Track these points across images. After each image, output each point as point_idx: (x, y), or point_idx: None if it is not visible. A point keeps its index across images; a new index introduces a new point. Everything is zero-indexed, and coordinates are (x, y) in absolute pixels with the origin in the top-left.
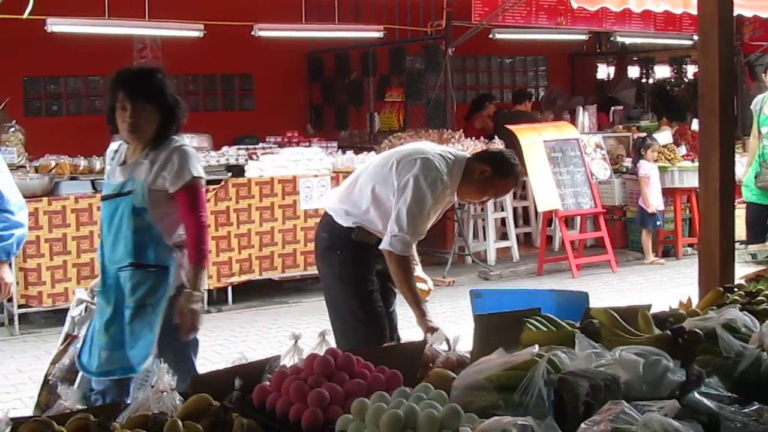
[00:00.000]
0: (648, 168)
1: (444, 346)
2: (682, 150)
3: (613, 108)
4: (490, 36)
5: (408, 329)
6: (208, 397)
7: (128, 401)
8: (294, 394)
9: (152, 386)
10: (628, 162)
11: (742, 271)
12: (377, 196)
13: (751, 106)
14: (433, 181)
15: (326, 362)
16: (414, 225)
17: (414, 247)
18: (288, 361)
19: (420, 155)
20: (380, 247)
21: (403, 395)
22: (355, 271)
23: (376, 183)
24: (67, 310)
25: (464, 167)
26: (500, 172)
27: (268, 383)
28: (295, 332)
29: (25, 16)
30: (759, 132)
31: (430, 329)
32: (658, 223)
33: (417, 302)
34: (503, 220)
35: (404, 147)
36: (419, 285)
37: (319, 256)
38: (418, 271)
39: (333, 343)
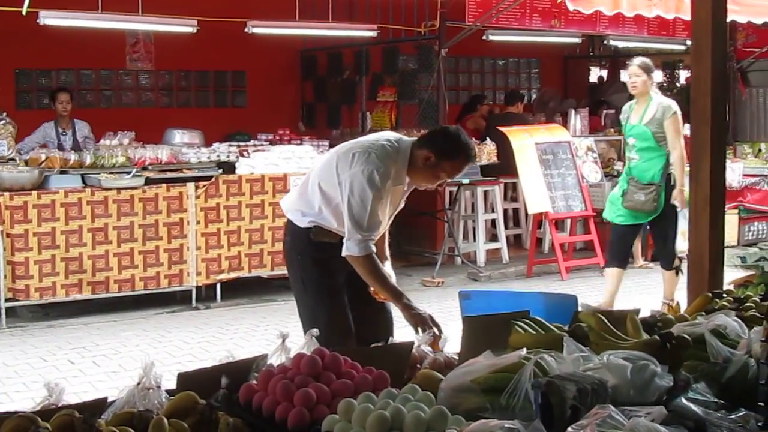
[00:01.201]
0: None
1: (429, 343)
2: None
3: (605, 111)
4: (484, 37)
5: (396, 329)
6: (194, 395)
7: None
8: (280, 393)
9: (138, 383)
10: (619, 165)
11: (731, 276)
12: (325, 194)
13: (621, 116)
14: (370, 175)
15: (313, 362)
16: (360, 223)
17: (386, 243)
18: (275, 360)
19: (358, 149)
20: (342, 254)
21: (390, 396)
22: (316, 274)
23: (321, 180)
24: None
25: (409, 155)
26: (445, 155)
27: (254, 382)
28: (283, 331)
29: (24, 12)
30: (626, 143)
31: (419, 322)
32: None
33: (395, 297)
34: (493, 222)
35: (348, 142)
36: None
37: (286, 261)
38: (386, 266)
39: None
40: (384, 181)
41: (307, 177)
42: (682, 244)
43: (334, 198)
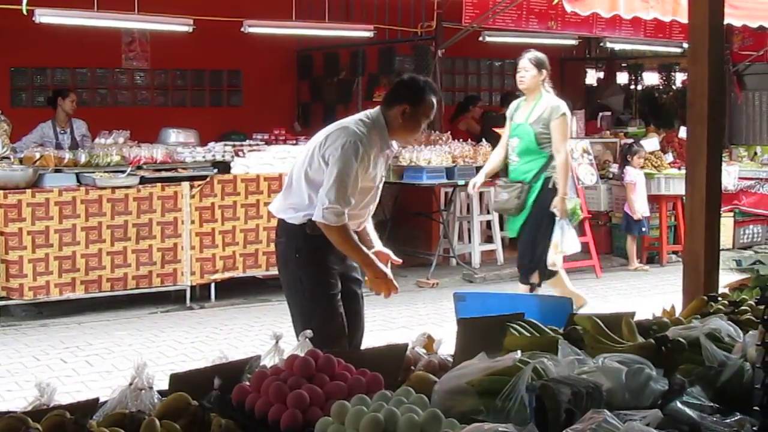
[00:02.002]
0: (634, 175)
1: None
2: (669, 157)
3: (600, 113)
4: (480, 38)
5: (390, 331)
6: (187, 396)
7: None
8: (273, 394)
9: (130, 384)
10: (614, 168)
11: (726, 279)
12: (312, 181)
13: (507, 113)
14: (353, 146)
15: (307, 363)
16: (342, 193)
17: (369, 222)
18: (268, 361)
19: (339, 128)
20: (313, 218)
21: (384, 399)
22: (312, 271)
23: (307, 169)
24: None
25: (384, 119)
26: (417, 100)
27: (247, 383)
28: (277, 332)
29: (24, 11)
30: (508, 145)
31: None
32: (643, 229)
33: (367, 263)
34: (488, 223)
35: (323, 129)
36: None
37: (280, 262)
38: (377, 245)
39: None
40: (369, 150)
41: (289, 177)
42: (552, 257)
43: (320, 183)
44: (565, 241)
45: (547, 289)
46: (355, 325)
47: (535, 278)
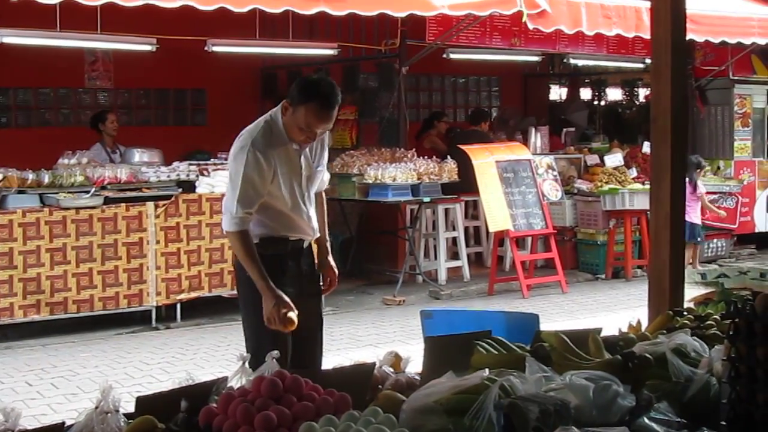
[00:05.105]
0: (702, 186)
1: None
2: (633, 172)
3: (564, 129)
4: (444, 55)
5: (357, 350)
6: (153, 420)
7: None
8: (241, 416)
9: (96, 407)
10: (579, 183)
11: (691, 293)
12: None
13: None
14: (243, 152)
15: (274, 384)
16: (233, 200)
17: (311, 222)
18: (236, 383)
19: (237, 137)
20: (223, 228)
21: (352, 419)
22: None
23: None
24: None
25: (279, 118)
26: (297, 101)
27: (214, 405)
28: (243, 353)
29: None
30: None
31: (279, 305)
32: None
33: (261, 277)
34: (454, 240)
35: None
36: None
37: (236, 282)
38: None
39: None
40: (263, 152)
41: None
42: None
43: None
44: None
45: None
46: (311, 350)
47: None
